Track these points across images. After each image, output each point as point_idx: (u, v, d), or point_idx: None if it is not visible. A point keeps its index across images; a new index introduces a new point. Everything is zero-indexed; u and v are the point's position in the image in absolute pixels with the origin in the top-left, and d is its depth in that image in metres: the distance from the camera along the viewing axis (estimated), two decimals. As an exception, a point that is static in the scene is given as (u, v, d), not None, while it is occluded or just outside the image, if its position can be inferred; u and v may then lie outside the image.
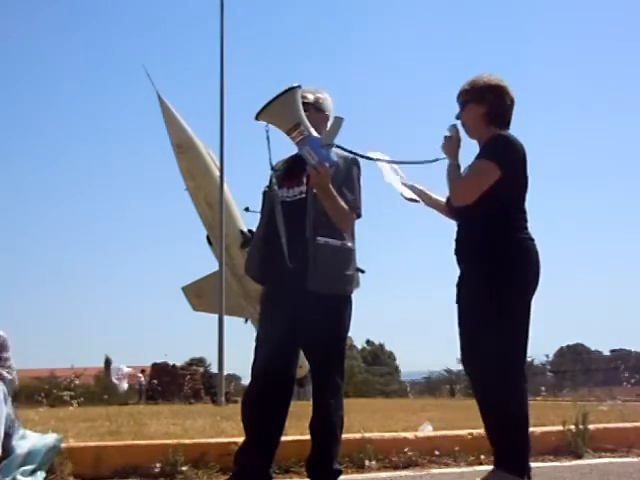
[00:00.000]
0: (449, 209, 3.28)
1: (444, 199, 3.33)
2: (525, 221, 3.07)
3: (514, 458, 2.89)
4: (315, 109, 3.09)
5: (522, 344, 2.98)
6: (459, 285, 3.12)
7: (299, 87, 2.92)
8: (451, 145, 3.13)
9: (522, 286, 2.97)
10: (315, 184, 2.93)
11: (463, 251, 3.11)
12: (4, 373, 3.58)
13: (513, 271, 2.94)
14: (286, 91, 2.86)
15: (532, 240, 3.05)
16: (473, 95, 3.13)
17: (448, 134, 3.16)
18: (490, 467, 3.03)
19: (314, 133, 2.88)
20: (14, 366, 3.67)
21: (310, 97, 3.09)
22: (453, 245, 3.17)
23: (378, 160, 3.26)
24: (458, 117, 3.20)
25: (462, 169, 3.15)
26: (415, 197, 3.40)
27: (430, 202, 3.40)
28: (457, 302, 3.11)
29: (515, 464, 2.88)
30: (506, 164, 2.98)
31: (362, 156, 3.11)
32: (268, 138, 3.00)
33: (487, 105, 3.10)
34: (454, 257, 3.16)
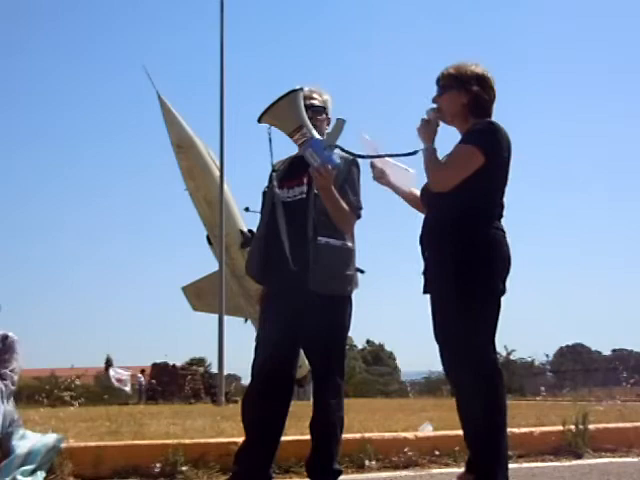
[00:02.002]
0: (422, 199, 3.13)
1: (417, 192, 3.18)
2: (499, 213, 2.93)
3: (495, 462, 2.74)
4: (325, 111, 3.13)
5: (491, 338, 2.86)
6: (425, 273, 3.00)
7: (301, 89, 2.94)
8: (428, 129, 2.95)
9: (489, 280, 2.83)
10: (318, 186, 2.93)
11: (431, 239, 2.97)
12: (8, 373, 3.59)
13: (481, 264, 2.81)
14: (288, 93, 2.87)
15: (503, 232, 2.91)
16: (457, 82, 2.96)
17: (426, 117, 2.99)
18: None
19: (316, 135, 2.89)
20: (17, 369, 3.67)
21: (319, 98, 3.12)
22: (420, 232, 3.03)
23: (371, 157, 3.14)
24: (434, 100, 3.03)
25: (440, 155, 2.99)
26: (396, 183, 3.25)
27: (405, 194, 3.26)
28: (425, 292, 2.98)
29: (496, 468, 2.74)
30: (490, 151, 2.83)
31: (360, 156, 3.08)
32: (270, 140, 3.03)
33: (470, 95, 2.94)
34: (419, 245, 3.03)
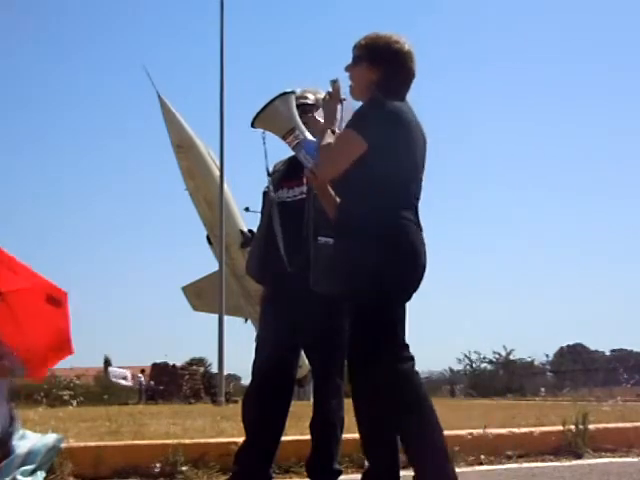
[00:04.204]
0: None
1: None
2: (409, 205, 2.56)
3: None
4: (317, 110, 3.10)
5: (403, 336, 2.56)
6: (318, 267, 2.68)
7: (292, 92, 2.92)
8: (331, 104, 2.66)
9: (399, 280, 2.52)
10: (313, 187, 2.93)
11: (335, 230, 2.66)
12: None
13: (389, 262, 2.47)
14: (278, 96, 2.86)
15: (411, 222, 2.54)
16: (369, 55, 2.61)
17: (330, 90, 2.68)
18: (491, 467, 3.01)
19: (309, 136, 2.87)
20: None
21: (311, 97, 3.11)
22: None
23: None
24: (347, 69, 2.70)
25: None
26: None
27: None
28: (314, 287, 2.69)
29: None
30: (372, 136, 2.48)
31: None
32: (264, 144, 3.02)
33: (381, 72, 2.59)
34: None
